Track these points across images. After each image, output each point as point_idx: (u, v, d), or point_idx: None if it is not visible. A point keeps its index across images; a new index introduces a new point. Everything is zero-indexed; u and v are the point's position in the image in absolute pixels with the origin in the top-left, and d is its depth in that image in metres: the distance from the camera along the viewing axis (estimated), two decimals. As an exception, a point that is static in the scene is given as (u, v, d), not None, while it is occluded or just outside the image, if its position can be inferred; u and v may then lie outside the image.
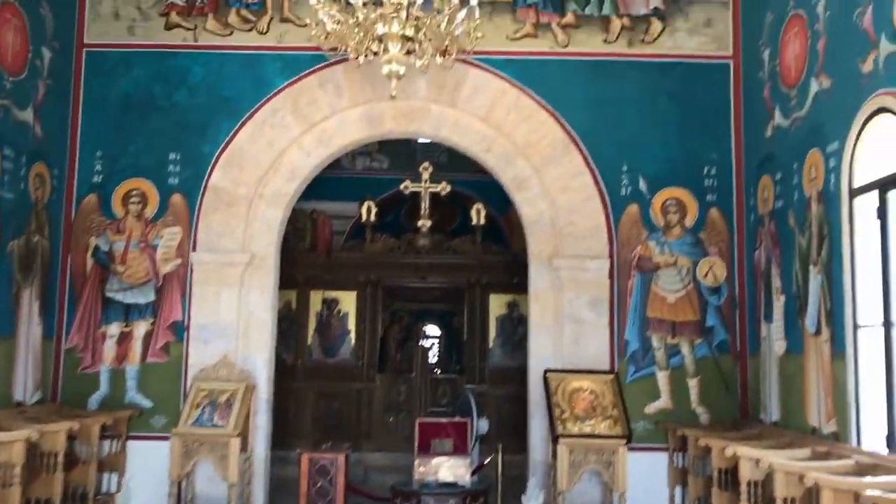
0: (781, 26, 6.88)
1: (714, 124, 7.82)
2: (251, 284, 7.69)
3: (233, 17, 7.93)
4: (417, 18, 5.58)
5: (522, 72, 7.86)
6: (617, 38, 7.89)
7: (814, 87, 6.24)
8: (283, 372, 9.93)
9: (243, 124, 7.80)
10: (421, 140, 11.20)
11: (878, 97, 5.27)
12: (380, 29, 5.53)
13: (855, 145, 5.58)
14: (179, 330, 7.60)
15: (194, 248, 7.66)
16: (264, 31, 7.90)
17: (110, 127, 7.80)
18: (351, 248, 11.82)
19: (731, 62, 7.83)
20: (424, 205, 9.91)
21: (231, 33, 7.92)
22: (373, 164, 13.55)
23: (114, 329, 7.58)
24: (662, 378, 7.58)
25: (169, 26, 7.90)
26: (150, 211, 7.75)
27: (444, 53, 5.97)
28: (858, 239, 5.59)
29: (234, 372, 7.33)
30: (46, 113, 7.30)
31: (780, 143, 6.90)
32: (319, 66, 7.79)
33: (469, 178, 11.59)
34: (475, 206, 10.31)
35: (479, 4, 5.85)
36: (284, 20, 7.90)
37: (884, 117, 5.26)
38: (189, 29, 7.89)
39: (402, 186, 10.04)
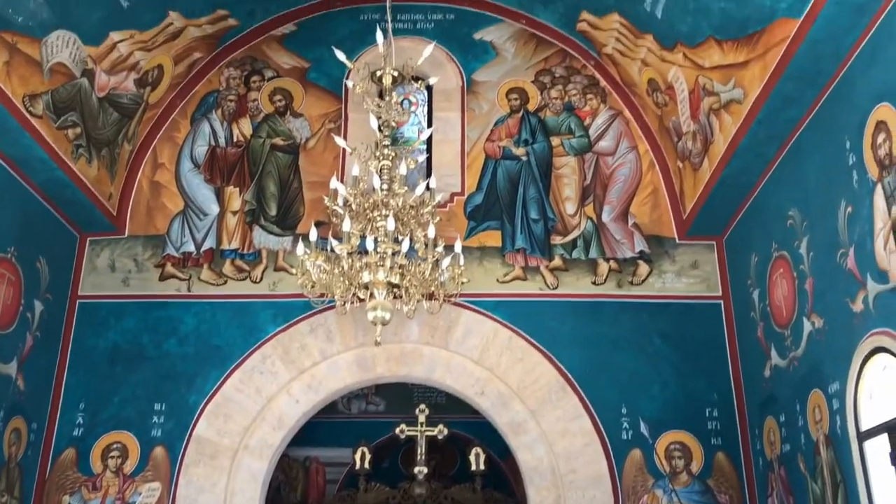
0: (767, 267, 6.95)
1: (711, 364, 7.67)
2: (232, 545, 7.17)
3: (227, 268, 8.07)
4: (402, 266, 5.63)
5: (514, 313, 7.85)
6: (605, 280, 7.97)
7: (807, 326, 6.16)
8: None
9: (231, 372, 7.67)
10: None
11: (873, 337, 5.16)
12: (365, 277, 5.57)
13: (857, 386, 5.38)
14: None
15: (173, 506, 7.23)
16: (258, 280, 8.00)
17: (96, 378, 7.67)
18: (343, 500, 11.19)
19: (722, 302, 7.84)
20: (421, 450, 9.47)
21: (225, 282, 8.01)
22: (369, 408, 13.21)
23: None
24: None
25: (163, 277, 8.02)
26: (130, 465, 7.40)
27: (431, 297, 5.97)
28: (875, 485, 5.22)
29: None
30: (31, 366, 7.20)
31: (780, 384, 6.70)
32: (311, 312, 7.79)
33: (468, 419, 11.18)
34: (474, 451, 9.87)
35: (468, 250, 5.93)
36: (278, 269, 8.04)
37: (882, 357, 5.11)
38: (183, 279, 8.01)
39: (397, 431, 9.69)
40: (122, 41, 7.51)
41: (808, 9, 5.35)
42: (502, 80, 8.74)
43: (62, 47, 6.84)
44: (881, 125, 5.11)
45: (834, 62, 5.59)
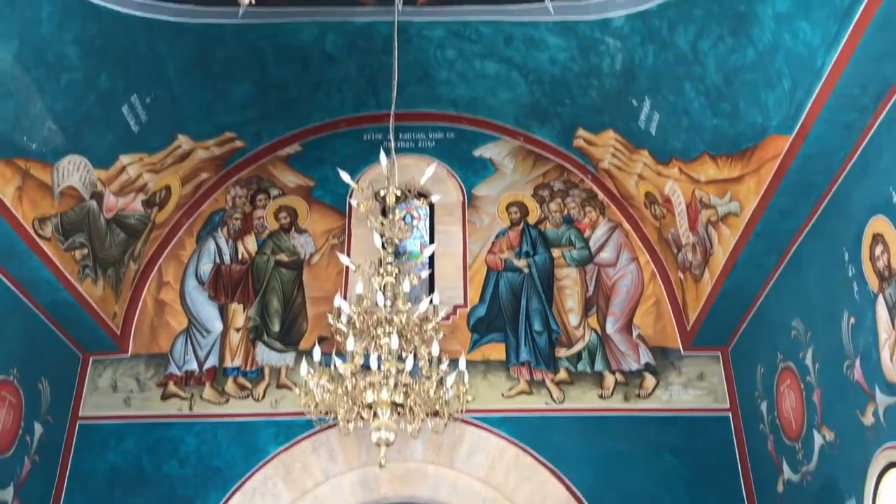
0: (774, 378, 6.89)
1: (723, 480, 7.47)
2: None
3: (230, 386, 8.00)
4: (406, 385, 5.57)
5: (520, 429, 7.72)
6: (612, 393, 7.88)
7: (818, 440, 6.05)
8: None
9: (232, 495, 7.48)
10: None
11: (887, 451, 5.06)
12: (369, 396, 5.50)
13: (874, 502, 5.24)
14: None
15: None
16: (260, 398, 7.93)
17: (93, 503, 7.48)
18: None
19: (730, 415, 7.72)
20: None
21: (227, 401, 7.93)
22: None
23: None
24: None
25: (166, 396, 7.95)
26: None
27: (435, 414, 5.88)
28: None
29: None
30: (28, 492, 7.04)
31: (794, 500, 6.52)
32: (313, 430, 7.67)
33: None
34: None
35: (472, 364, 5.89)
36: (280, 386, 7.97)
37: (897, 472, 5.00)
38: (185, 398, 7.93)
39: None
40: (131, 164, 7.73)
41: (798, 126, 5.52)
42: (502, 194, 8.92)
43: (73, 171, 7.03)
44: (878, 237, 5.18)
45: (827, 176, 5.72)
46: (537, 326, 8.20)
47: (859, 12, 4.60)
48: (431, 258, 8.47)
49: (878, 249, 5.16)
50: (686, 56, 6.57)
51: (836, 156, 5.53)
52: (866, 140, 5.26)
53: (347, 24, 7.86)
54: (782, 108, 5.67)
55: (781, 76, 5.59)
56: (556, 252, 8.60)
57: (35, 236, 6.64)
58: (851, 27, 4.71)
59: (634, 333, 8.17)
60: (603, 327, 8.22)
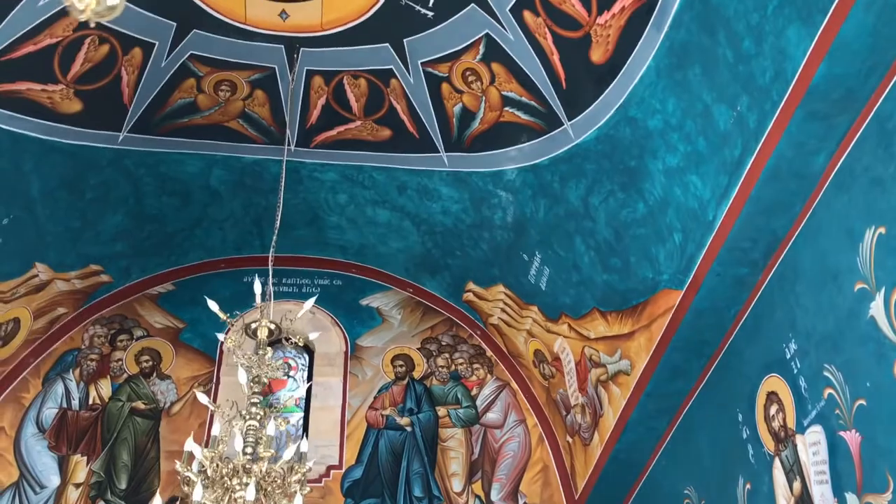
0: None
1: None
2: None
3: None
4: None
5: None
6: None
7: None
8: None
9: None
10: None
11: None
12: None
13: None
14: None
15: None
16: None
17: None
18: None
19: (622, 593, 7.15)
20: None
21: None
22: None
23: None
24: None
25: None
26: None
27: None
28: None
29: None
30: None
31: None
32: None
33: None
34: None
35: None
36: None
37: None
38: (1, 566, 6.75)
39: None
40: (-26, 290, 6.93)
41: (689, 280, 5.43)
42: (388, 346, 8.49)
43: None
44: (772, 396, 4.99)
45: (719, 332, 5.59)
46: (418, 492, 7.56)
47: (749, 164, 4.63)
48: (307, 410, 7.81)
49: (773, 409, 4.96)
50: (577, 210, 6.54)
51: (727, 311, 5.43)
52: (758, 295, 5.19)
53: (236, 159, 7.57)
54: (673, 261, 5.60)
55: (672, 230, 5.56)
56: (441, 410, 8.11)
57: None
58: (741, 180, 4.72)
59: (521, 501, 7.62)
60: (487, 494, 7.65)
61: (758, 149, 4.52)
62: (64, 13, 5.91)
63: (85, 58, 6.41)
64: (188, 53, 6.77)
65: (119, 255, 8.05)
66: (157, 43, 6.60)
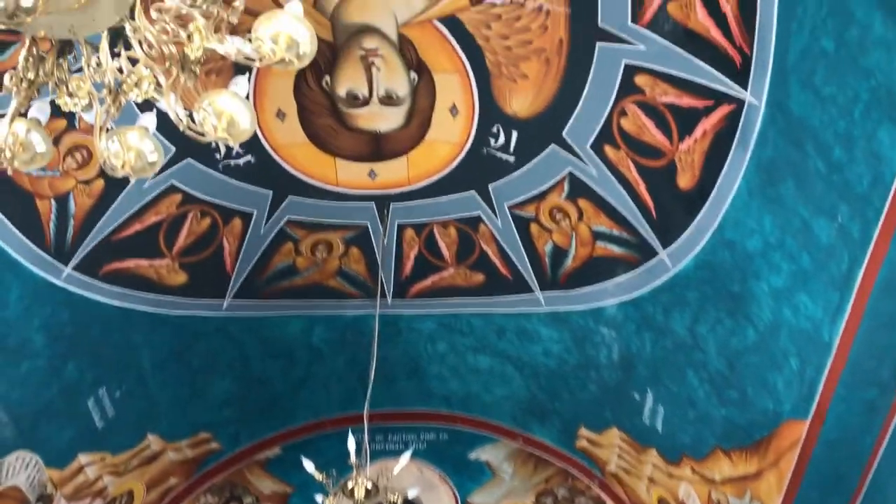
0: None
1: None
2: None
3: None
4: None
5: None
6: None
7: None
8: None
9: None
10: None
11: None
12: None
13: None
14: None
15: None
16: None
17: None
18: None
19: None
20: None
21: None
22: None
23: None
24: None
25: None
26: None
27: None
28: None
29: None
30: None
31: None
32: None
33: None
34: None
35: None
36: None
37: None
38: None
39: None
40: (90, 464, 7.08)
41: (814, 408, 4.96)
42: (500, 501, 8.07)
43: (20, 469, 6.38)
44: (930, 538, 4.36)
45: (856, 465, 5.01)
46: None
47: (859, 277, 4.28)
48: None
49: (933, 552, 4.31)
50: (685, 342, 6.19)
51: (862, 441, 4.88)
52: (895, 419, 4.66)
53: (336, 317, 7.66)
54: (793, 389, 5.15)
55: (788, 355, 5.14)
56: (564, 569, 7.54)
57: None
58: (854, 294, 4.36)
59: None
60: None
61: (866, 259, 4.18)
62: (169, 191, 6.31)
63: (188, 232, 6.74)
64: (285, 219, 7.02)
65: (227, 421, 8.13)
66: (255, 211, 6.90)
